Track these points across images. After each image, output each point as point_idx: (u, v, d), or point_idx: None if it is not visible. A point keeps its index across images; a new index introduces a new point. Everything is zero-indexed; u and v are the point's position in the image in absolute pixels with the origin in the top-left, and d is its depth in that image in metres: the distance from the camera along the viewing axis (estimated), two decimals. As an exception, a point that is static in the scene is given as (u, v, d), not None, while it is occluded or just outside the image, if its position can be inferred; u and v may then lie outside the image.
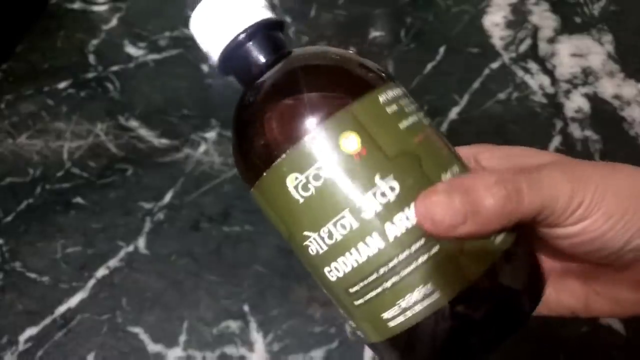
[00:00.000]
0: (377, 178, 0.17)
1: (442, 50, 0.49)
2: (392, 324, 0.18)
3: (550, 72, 0.47)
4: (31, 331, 0.35)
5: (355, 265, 0.18)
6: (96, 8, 0.53)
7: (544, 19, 0.51)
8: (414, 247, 0.17)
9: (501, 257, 0.18)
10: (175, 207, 0.40)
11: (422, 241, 0.17)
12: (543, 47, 0.49)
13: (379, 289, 0.18)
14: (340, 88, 0.18)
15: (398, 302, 0.17)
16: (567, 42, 0.49)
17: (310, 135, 0.18)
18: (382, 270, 0.17)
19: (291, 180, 0.18)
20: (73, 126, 0.45)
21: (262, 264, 0.37)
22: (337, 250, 0.18)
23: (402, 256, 0.17)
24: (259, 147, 0.18)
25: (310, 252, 0.18)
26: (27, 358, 0.34)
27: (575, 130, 0.43)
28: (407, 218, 0.17)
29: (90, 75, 0.48)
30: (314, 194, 0.18)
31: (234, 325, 0.35)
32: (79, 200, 0.41)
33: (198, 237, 0.38)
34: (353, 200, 0.17)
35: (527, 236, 0.19)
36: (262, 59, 0.20)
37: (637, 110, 0.44)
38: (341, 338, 0.34)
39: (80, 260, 0.38)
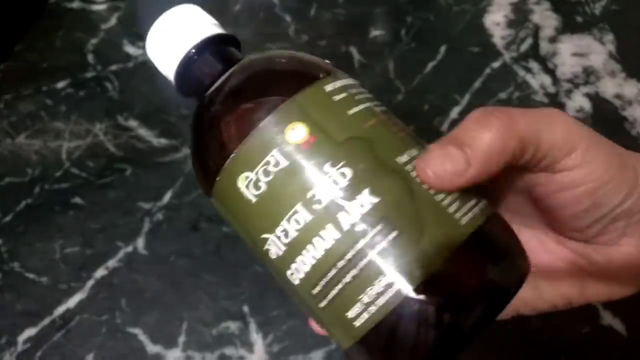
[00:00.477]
0: (327, 166, 0.17)
1: (442, 49, 0.48)
2: (357, 323, 0.17)
3: (551, 72, 0.47)
4: (30, 332, 0.35)
5: (314, 262, 0.17)
6: (95, 7, 0.53)
7: (545, 18, 0.51)
8: (370, 235, 0.16)
9: (469, 240, 0.17)
10: (175, 207, 0.40)
11: (379, 227, 0.16)
12: (544, 47, 0.49)
13: (340, 286, 0.17)
14: (282, 83, 0.18)
15: (360, 297, 0.16)
16: (568, 41, 0.49)
17: (255, 131, 0.17)
18: (340, 264, 0.16)
19: (242, 180, 0.18)
20: (72, 126, 0.45)
21: (262, 264, 0.37)
22: (295, 248, 0.17)
23: (358, 246, 0.16)
24: (210, 152, 0.19)
25: (271, 256, 0.18)
26: (26, 359, 0.34)
27: (577, 130, 0.43)
28: (362, 205, 0.16)
29: (89, 74, 0.48)
30: (265, 191, 0.17)
31: (233, 326, 0.35)
32: (77, 200, 0.40)
33: (197, 238, 0.38)
34: (304, 192, 0.17)
35: (500, 217, 0.18)
36: (212, 73, 0.20)
37: (639, 110, 0.44)
38: (341, 339, 0.34)
39: (79, 260, 0.38)
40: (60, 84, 0.47)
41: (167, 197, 0.40)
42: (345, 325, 0.17)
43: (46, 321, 0.35)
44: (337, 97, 0.18)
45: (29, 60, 0.49)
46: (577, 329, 0.34)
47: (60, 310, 0.36)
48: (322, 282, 0.17)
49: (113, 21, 0.52)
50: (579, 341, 0.33)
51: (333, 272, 0.17)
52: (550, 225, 0.20)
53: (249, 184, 0.17)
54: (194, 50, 0.20)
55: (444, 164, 0.16)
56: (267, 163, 0.17)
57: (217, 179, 0.18)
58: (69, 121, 0.45)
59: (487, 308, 0.17)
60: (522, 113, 0.17)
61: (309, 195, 0.17)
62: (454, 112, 0.44)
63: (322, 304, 0.17)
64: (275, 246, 0.18)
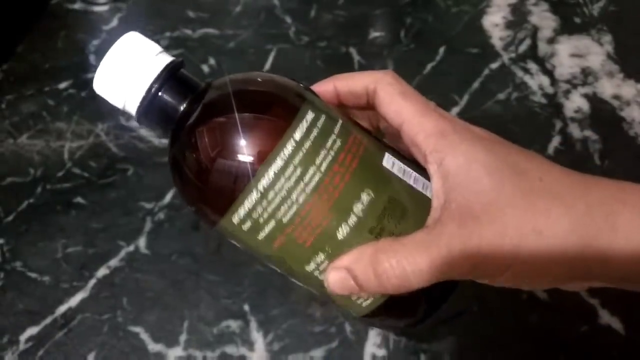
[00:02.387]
0: (266, 261, 0.22)
1: (441, 50, 0.49)
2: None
3: (549, 73, 0.47)
4: (32, 331, 0.35)
5: None
6: (97, 8, 0.53)
7: (544, 20, 0.51)
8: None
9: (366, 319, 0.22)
10: (176, 207, 0.40)
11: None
12: (542, 48, 0.49)
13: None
14: (210, 212, 0.21)
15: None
16: (566, 42, 0.49)
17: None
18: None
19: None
20: (74, 126, 0.45)
21: (263, 263, 0.37)
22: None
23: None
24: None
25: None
26: (28, 358, 0.34)
27: (575, 130, 0.43)
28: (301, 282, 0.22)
29: (91, 75, 0.48)
30: None
31: (234, 324, 0.35)
32: (79, 200, 0.41)
33: (199, 237, 0.38)
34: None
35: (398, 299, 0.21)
36: (178, 107, 0.21)
37: (637, 110, 0.44)
38: (341, 337, 0.34)
39: (81, 260, 0.38)
40: (63, 85, 0.48)
41: (168, 196, 0.41)
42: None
43: (48, 320, 0.35)
44: (244, 227, 0.20)
45: (31, 61, 0.49)
46: (575, 328, 0.34)
47: (62, 309, 0.36)
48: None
49: (115, 22, 0.52)
50: (577, 340, 0.33)
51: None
52: None
53: None
54: (156, 86, 0.21)
55: (336, 285, 0.20)
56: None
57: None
58: (71, 121, 0.45)
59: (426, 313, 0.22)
60: (431, 261, 0.19)
61: None
62: (453, 113, 0.45)
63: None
64: None
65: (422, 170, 0.21)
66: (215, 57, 0.49)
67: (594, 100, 0.45)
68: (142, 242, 0.38)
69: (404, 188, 0.20)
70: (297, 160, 0.19)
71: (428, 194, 0.21)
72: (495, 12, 0.52)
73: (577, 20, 0.51)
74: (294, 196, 0.19)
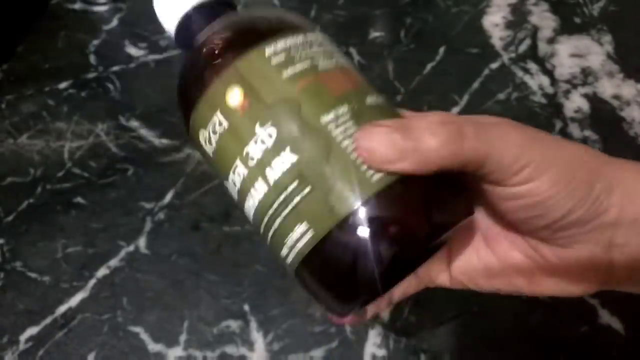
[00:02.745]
0: (257, 126, 0.18)
1: (441, 50, 0.49)
2: (288, 261, 0.19)
3: (549, 73, 0.47)
4: (32, 331, 0.35)
5: (253, 210, 0.19)
6: (97, 8, 0.53)
7: (544, 19, 0.51)
8: (290, 189, 0.18)
9: (374, 197, 0.17)
10: (176, 207, 0.40)
11: (295, 183, 0.18)
12: (542, 48, 0.49)
13: (271, 231, 0.19)
14: (231, 46, 0.20)
15: (285, 241, 0.18)
16: (566, 42, 0.49)
17: (206, 93, 0.19)
18: (269, 213, 0.19)
19: (201, 135, 0.20)
20: (74, 126, 0.45)
21: (263, 263, 0.37)
22: (242, 196, 0.20)
23: (281, 198, 0.18)
24: (182, 101, 0.22)
25: (233, 195, 0.21)
26: (28, 358, 0.34)
27: (575, 130, 0.43)
28: (283, 162, 0.18)
29: (91, 75, 0.48)
30: (216, 146, 0.19)
31: (234, 324, 0.35)
32: (79, 200, 0.41)
33: (199, 237, 0.38)
34: (241, 149, 0.19)
35: (420, 178, 0.18)
36: (200, 28, 0.22)
37: (637, 110, 0.44)
38: (341, 337, 0.34)
39: (81, 260, 0.38)
40: (62, 85, 0.48)
41: (168, 196, 0.41)
42: (282, 262, 0.20)
43: (48, 320, 0.35)
44: (275, 60, 0.19)
45: (31, 61, 0.49)
46: (575, 328, 0.34)
47: (62, 309, 0.36)
48: (262, 226, 0.19)
49: (115, 22, 0.52)
50: (577, 340, 0.34)
51: (266, 219, 0.19)
52: (505, 223, 0.21)
53: (205, 139, 0.20)
54: (190, 9, 0.22)
55: (380, 146, 0.17)
56: (214, 123, 0.19)
57: (189, 125, 0.21)
58: (71, 121, 0.45)
59: (394, 254, 0.17)
60: (475, 132, 0.18)
61: (244, 152, 0.19)
62: (453, 113, 0.45)
63: (268, 241, 0.20)
64: (231, 190, 0.20)
65: None
66: (215, 57, 0.49)
67: (594, 100, 0.45)
68: (142, 242, 0.38)
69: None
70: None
71: None
72: (495, 12, 0.52)
73: (577, 20, 0.51)
74: (335, 55, 0.20)
